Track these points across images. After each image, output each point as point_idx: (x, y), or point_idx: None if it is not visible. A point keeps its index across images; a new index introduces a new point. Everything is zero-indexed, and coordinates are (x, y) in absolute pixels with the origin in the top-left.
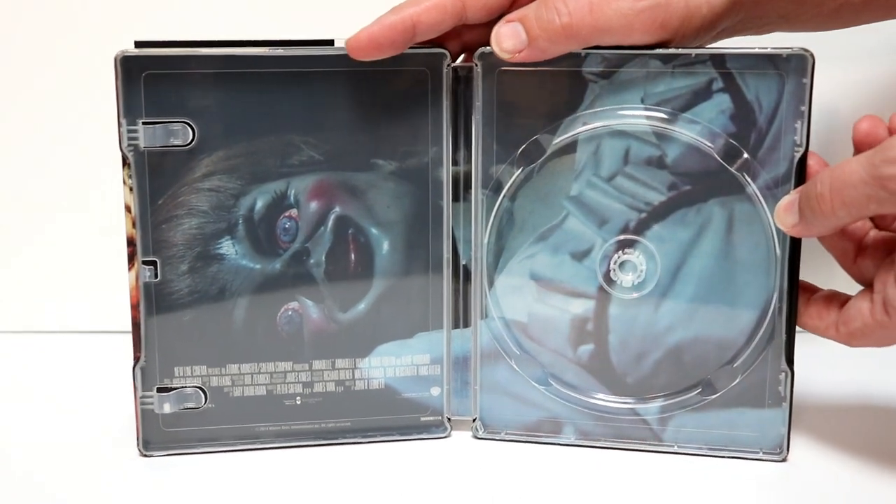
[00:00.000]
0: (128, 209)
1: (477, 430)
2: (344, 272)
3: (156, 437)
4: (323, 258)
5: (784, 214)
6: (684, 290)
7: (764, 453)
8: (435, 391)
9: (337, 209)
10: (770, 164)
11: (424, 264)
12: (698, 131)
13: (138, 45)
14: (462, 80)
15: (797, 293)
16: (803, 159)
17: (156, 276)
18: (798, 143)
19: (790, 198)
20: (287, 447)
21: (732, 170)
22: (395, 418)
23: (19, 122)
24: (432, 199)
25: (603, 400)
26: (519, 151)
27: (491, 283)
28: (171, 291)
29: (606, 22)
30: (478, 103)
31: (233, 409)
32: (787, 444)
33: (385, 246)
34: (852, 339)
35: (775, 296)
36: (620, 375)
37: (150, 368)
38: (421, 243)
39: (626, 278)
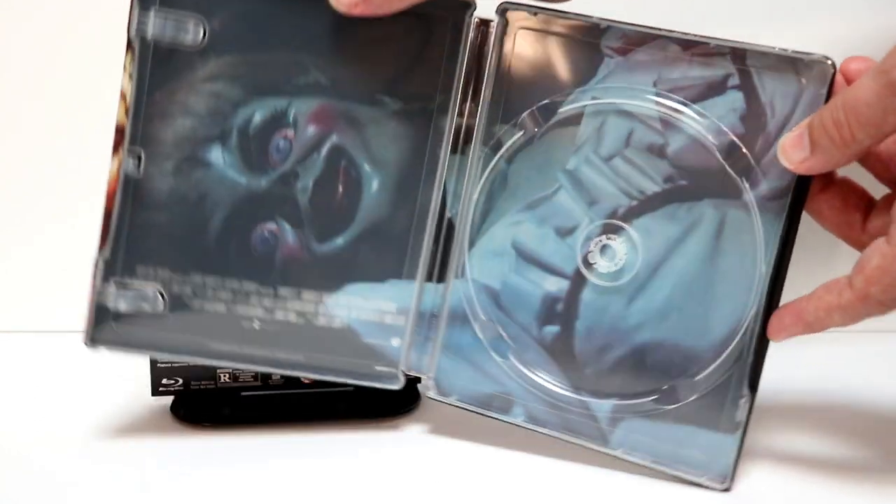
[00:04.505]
0: (123, 97)
1: (427, 388)
2: (329, 202)
3: (104, 333)
4: (310, 184)
5: (791, 150)
6: (661, 289)
7: (708, 479)
8: (395, 342)
9: (334, 138)
10: (773, 174)
11: (410, 211)
12: (705, 126)
13: None
14: (482, 33)
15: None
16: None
17: (138, 168)
18: None
19: (796, 132)
20: (235, 369)
21: (732, 172)
22: (351, 361)
23: (21, 120)
24: (430, 147)
25: (557, 386)
26: (525, 114)
27: (472, 243)
28: (152, 188)
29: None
30: (493, 59)
31: (189, 321)
32: (732, 475)
33: (375, 184)
34: (870, 285)
35: (752, 314)
36: (580, 364)
37: (113, 261)
38: (411, 189)
39: (604, 264)
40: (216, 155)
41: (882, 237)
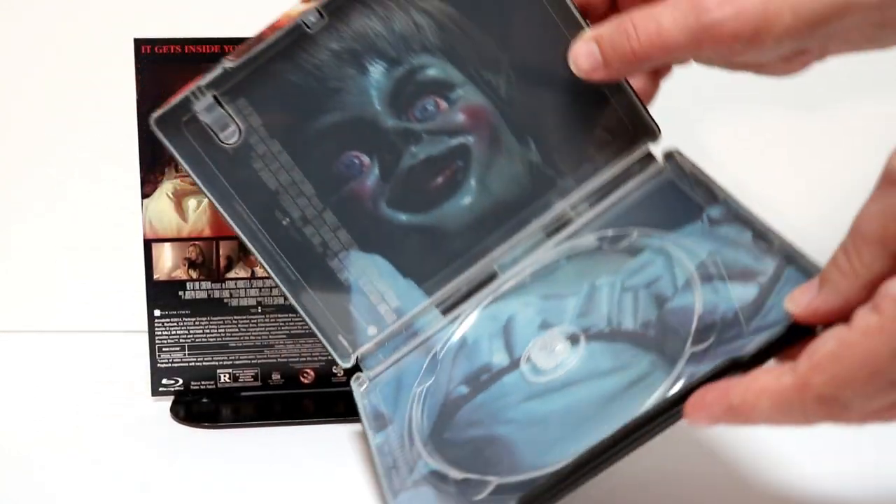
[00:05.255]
0: None
1: (360, 383)
2: (422, 182)
3: (170, 122)
4: (422, 155)
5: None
6: (553, 403)
7: None
8: (372, 330)
9: (469, 138)
10: (712, 359)
11: (473, 243)
12: (709, 301)
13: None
14: (642, 164)
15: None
16: (736, 365)
17: (313, 25)
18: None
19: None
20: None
21: (689, 344)
22: (326, 314)
23: (22, 121)
24: (527, 212)
25: (418, 434)
26: (613, 234)
27: (490, 304)
28: (308, 49)
29: (674, 41)
30: (630, 187)
31: (239, 173)
32: None
33: (467, 200)
34: (814, 373)
35: (578, 459)
36: (446, 426)
37: (228, 77)
38: (489, 228)
39: (538, 359)
40: (377, 70)
41: (841, 323)
